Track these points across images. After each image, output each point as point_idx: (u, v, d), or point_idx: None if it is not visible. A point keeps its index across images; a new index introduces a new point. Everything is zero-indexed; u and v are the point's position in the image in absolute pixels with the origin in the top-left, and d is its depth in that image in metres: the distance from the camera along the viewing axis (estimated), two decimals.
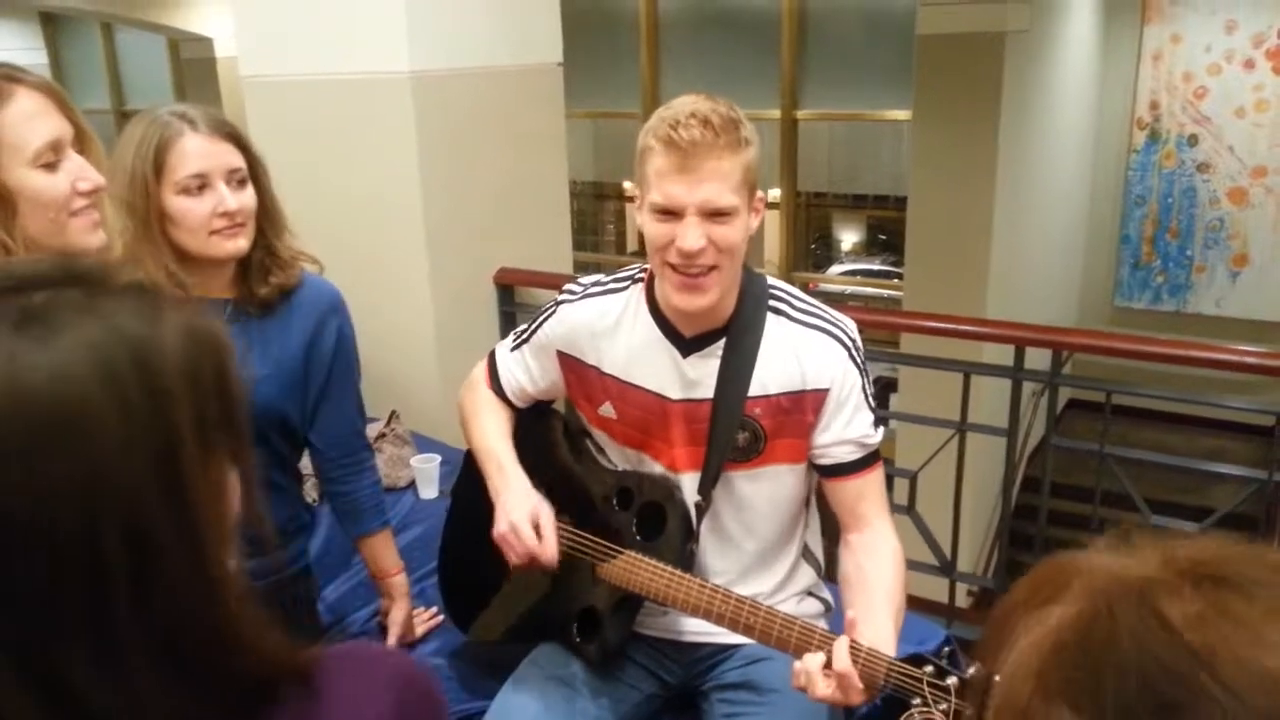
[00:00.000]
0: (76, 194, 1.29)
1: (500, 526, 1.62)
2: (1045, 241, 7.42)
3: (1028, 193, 6.69)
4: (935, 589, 3.03)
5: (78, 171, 1.30)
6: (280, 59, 2.89)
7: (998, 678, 0.59)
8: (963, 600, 4.31)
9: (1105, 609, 0.54)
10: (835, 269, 10.59)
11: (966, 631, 2.74)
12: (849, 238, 11.12)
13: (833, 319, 1.57)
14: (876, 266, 10.66)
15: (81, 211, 1.29)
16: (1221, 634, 0.51)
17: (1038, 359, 2.60)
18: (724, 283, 1.49)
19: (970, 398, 2.71)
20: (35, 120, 1.27)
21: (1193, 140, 7.90)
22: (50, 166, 1.28)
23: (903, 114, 7.04)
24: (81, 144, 1.32)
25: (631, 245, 10.95)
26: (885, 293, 9.57)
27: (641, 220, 1.50)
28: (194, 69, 8.80)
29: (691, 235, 1.42)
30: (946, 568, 2.82)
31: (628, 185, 10.48)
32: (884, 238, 10.91)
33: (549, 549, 1.59)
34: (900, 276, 8.71)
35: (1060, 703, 0.54)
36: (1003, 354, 2.96)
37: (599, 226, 10.84)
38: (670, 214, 1.43)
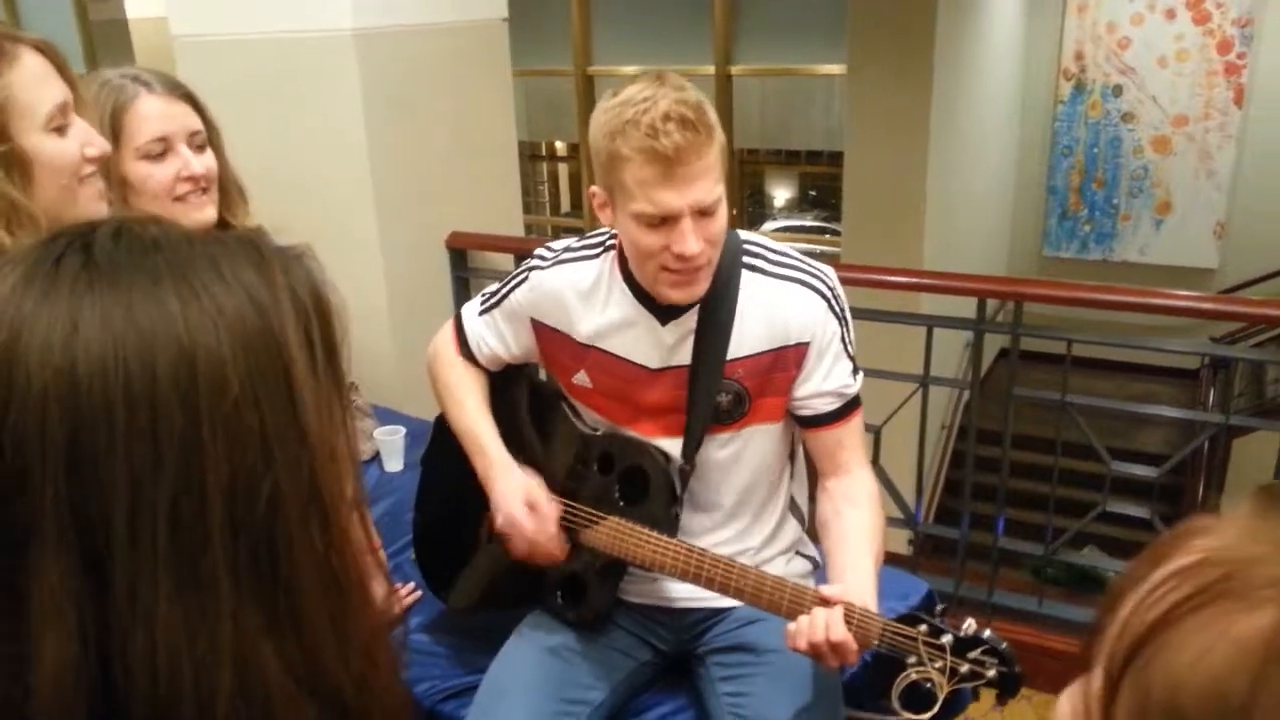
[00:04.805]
0: (84, 160, 1.22)
1: (499, 522, 1.60)
2: (977, 193, 7.53)
3: (960, 145, 6.76)
4: (894, 541, 3.07)
5: (84, 137, 1.23)
6: (215, 17, 2.76)
7: (1145, 664, 0.53)
8: (903, 548, 4.38)
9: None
10: (769, 225, 10.62)
11: (930, 583, 2.78)
12: (782, 194, 11.16)
13: (811, 269, 1.55)
14: (810, 223, 10.72)
15: (88, 179, 1.22)
16: None
17: (968, 308, 2.61)
18: (713, 269, 1.47)
19: (905, 351, 2.73)
20: (43, 83, 1.19)
21: (1117, 91, 8.05)
22: (60, 131, 1.21)
23: (836, 69, 7.04)
24: (78, 108, 1.24)
25: (564, 206, 10.85)
26: (819, 248, 9.63)
27: (618, 224, 1.45)
28: (105, 31, 8.42)
29: (690, 240, 1.38)
30: (910, 520, 2.85)
31: (559, 145, 10.36)
32: (814, 193, 10.97)
33: (549, 530, 1.58)
34: (833, 232, 8.77)
35: None
36: (939, 305, 2.97)
37: (531, 187, 10.70)
38: (660, 221, 1.39)
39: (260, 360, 0.56)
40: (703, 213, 1.39)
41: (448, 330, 1.76)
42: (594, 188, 1.48)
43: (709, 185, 1.38)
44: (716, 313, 1.51)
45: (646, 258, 1.43)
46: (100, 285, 0.54)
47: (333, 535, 0.58)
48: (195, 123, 1.59)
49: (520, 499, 1.59)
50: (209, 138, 1.62)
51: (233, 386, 0.54)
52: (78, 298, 0.54)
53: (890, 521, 2.83)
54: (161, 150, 1.54)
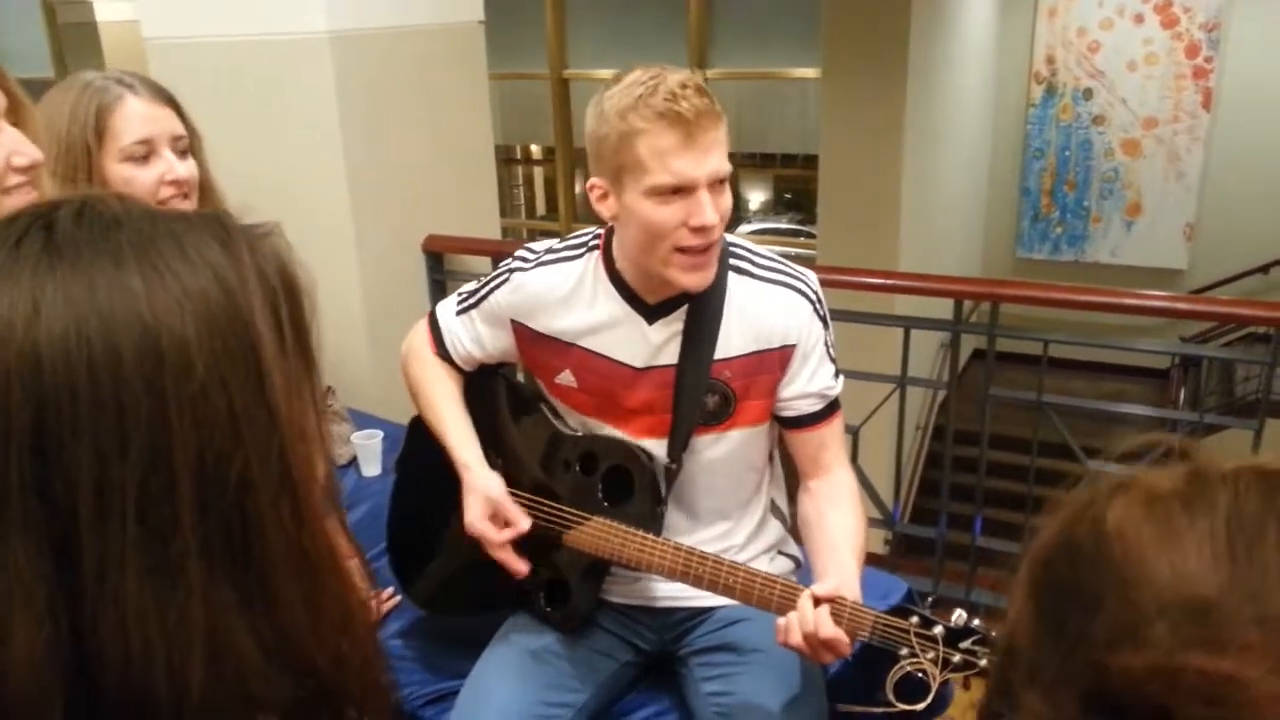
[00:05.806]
0: (10, 170, 1.15)
1: (465, 525, 1.59)
2: (951, 195, 7.57)
3: (934, 147, 6.80)
4: (871, 541, 3.08)
5: (11, 145, 1.16)
6: (188, 19, 2.74)
7: None
8: (879, 547, 4.39)
9: (1074, 514, 0.59)
10: (744, 228, 10.65)
11: (909, 582, 2.79)
12: (757, 197, 11.20)
13: (795, 273, 1.56)
14: (784, 225, 10.76)
15: (15, 190, 1.17)
16: (1141, 536, 0.54)
17: (943, 309, 2.64)
18: (719, 253, 1.47)
19: (879, 352, 2.74)
20: None
21: (1088, 94, 8.13)
22: None
23: (811, 72, 7.06)
24: (16, 115, 1.18)
25: (540, 210, 10.84)
26: (794, 250, 9.65)
27: (625, 210, 1.42)
28: (73, 33, 8.33)
29: (709, 210, 1.38)
30: (888, 519, 2.86)
31: (535, 149, 10.34)
32: (789, 196, 11.01)
33: (513, 560, 1.58)
34: (808, 235, 8.81)
35: (1028, 596, 0.59)
36: (914, 306, 2.99)
37: (506, 191, 10.68)
38: (676, 193, 1.38)
39: (227, 341, 0.55)
40: (715, 186, 1.40)
41: (422, 329, 1.75)
42: (592, 180, 1.46)
43: (722, 157, 1.39)
44: (704, 313, 1.51)
45: (659, 239, 1.41)
46: (62, 266, 0.54)
47: (303, 514, 0.58)
48: (178, 127, 1.58)
49: (482, 511, 1.58)
50: (191, 143, 1.61)
51: (198, 368, 0.54)
52: (39, 279, 0.53)
53: (868, 521, 2.84)
54: (145, 153, 1.53)
